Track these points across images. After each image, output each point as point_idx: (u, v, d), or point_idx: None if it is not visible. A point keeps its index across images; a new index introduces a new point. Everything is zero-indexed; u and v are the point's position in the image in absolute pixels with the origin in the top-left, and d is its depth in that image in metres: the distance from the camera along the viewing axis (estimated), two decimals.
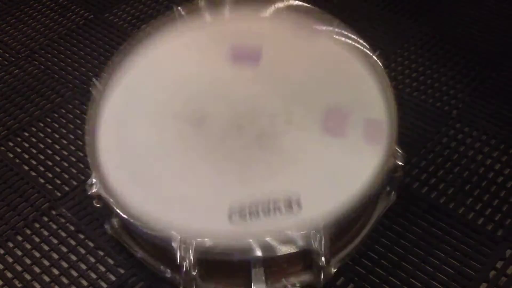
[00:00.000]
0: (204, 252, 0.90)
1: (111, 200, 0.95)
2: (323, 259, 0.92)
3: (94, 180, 0.97)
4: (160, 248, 0.99)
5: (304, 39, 1.18)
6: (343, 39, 1.17)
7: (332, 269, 1.00)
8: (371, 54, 1.13)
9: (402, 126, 1.08)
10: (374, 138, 1.02)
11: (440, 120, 1.35)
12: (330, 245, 0.92)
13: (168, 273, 1.01)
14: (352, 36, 1.15)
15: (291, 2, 1.19)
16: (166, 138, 1.04)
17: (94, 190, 0.97)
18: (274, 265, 0.97)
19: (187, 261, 0.90)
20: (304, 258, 0.96)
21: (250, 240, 0.89)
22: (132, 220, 0.93)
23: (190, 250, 0.90)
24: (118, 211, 0.94)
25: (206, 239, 0.89)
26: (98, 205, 0.99)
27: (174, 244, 0.90)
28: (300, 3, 1.19)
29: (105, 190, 0.96)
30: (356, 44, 1.15)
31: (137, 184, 0.98)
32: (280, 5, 1.21)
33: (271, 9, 1.22)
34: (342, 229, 0.95)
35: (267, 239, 0.89)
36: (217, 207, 0.94)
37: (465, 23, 1.60)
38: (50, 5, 1.73)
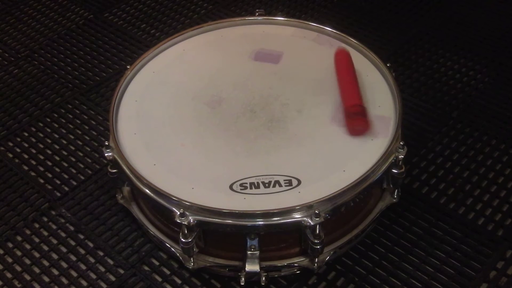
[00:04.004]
0: (202, 218, 0.95)
1: (122, 163, 1.04)
2: (316, 240, 0.96)
3: (110, 145, 1.06)
4: (164, 216, 1.06)
5: (323, 48, 1.25)
6: (358, 51, 1.24)
7: (327, 256, 1.04)
8: (383, 64, 1.18)
9: (403, 126, 1.08)
10: (380, 132, 1.06)
11: (441, 121, 1.35)
12: (325, 224, 0.96)
13: (169, 244, 1.08)
14: (368, 50, 1.22)
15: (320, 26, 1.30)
16: (182, 115, 1.13)
17: (109, 154, 1.05)
18: (270, 243, 1.01)
19: (186, 225, 0.95)
20: (300, 241, 1.01)
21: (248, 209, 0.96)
22: (139, 184, 1.01)
23: (189, 215, 0.95)
24: (127, 172, 1.03)
25: (205, 204, 0.95)
26: (113, 171, 1.07)
27: (175, 209, 0.96)
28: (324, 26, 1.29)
29: (118, 154, 1.04)
30: (370, 55, 1.21)
31: (149, 151, 1.06)
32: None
33: (299, 21, 1.32)
34: (337, 211, 0.98)
35: (264, 208, 0.95)
36: (221, 177, 1.01)
37: (465, 23, 1.60)
38: (50, 5, 1.73)
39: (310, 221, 0.94)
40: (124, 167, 1.03)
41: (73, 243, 1.15)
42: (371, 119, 1.08)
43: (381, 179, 1.03)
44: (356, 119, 1.06)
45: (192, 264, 1.04)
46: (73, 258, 1.13)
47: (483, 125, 1.33)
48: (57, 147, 1.33)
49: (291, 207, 0.95)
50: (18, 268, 1.11)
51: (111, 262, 1.12)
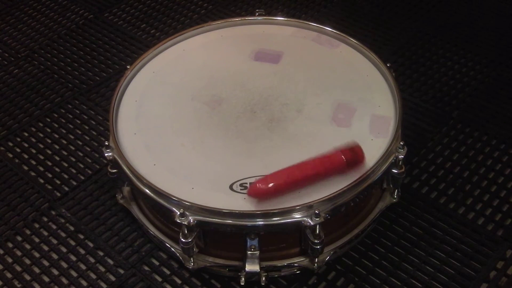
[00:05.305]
0: (202, 218, 0.95)
1: (122, 163, 1.04)
2: (316, 240, 0.96)
3: (110, 145, 1.06)
4: (164, 216, 1.06)
5: (323, 48, 1.25)
6: (358, 51, 1.24)
7: (327, 256, 1.04)
8: (383, 64, 1.18)
9: (403, 126, 1.08)
10: (379, 132, 1.07)
11: (441, 121, 1.35)
12: (325, 224, 0.96)
13: (169, 244, 1.08)
14: (368, 50, 1.22)
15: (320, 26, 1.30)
16: (182, 115, 1.13)
17: (109, 154, 1.05)
18: (270, 243, 1.01)
19: (186, 225, 0.95)
20: (300, 241, 1.01)
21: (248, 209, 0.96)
22: (139, 184, 1.01)
23: (189, 215, 0.95)
24: (127, 172, 1.03)
25: (205, 204, 0.95)
26: (113, 171, 1.07)
27: (175, 209, 0.96)
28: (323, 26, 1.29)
29: (118, 154, 1.04)
30: (370, 55, 1.21)
31: (149, 151, 1.06)
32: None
33: (299, 21, 1.32)
34: (337, 211, 0.98)
35: (264, 208, 0.95)
36: (221, 177, 1.01)
37: (465, 23, 1.60)
38: (50, 5, 1.73)
39: (310, 221, 0.94)
40: (124, 167, 1.03)
41: (73, 243, 1.15)
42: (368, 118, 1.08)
43: (381, 179, 1.03)
44: (357, 161, 1.00)
45: (192, 264, 1.04)
46: (73, 258, 1.13)
47: (483, 125, 1.33)
48: (57, 147, 1.33)
49: (291, 207, 0.95)
50: (18, 268, 1.11)
51: (111, 262, 1.12)
